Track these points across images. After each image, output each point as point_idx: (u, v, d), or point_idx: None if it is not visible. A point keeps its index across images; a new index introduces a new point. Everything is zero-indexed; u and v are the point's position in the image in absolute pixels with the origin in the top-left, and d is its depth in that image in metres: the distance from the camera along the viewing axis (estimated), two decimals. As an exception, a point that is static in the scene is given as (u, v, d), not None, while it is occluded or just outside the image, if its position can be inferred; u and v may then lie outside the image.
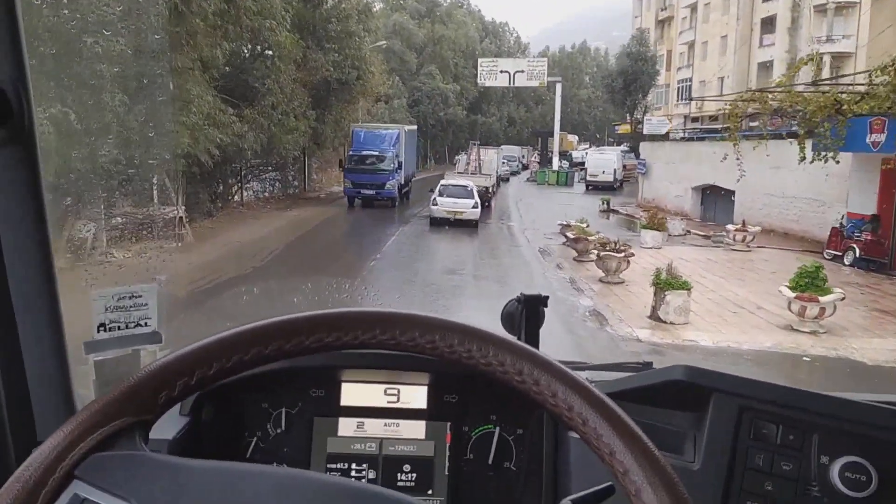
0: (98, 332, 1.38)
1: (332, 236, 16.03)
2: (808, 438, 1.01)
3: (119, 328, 1.40)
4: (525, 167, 52.69)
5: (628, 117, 47.76)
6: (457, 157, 46.14)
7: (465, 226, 20.60)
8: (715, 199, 23.45)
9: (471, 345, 0.59)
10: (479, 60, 43.83)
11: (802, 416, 1.02)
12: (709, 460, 1.02)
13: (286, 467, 0.61)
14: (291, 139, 18.51)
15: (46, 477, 0.53)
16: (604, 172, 37.36)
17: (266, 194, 26.12)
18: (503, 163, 36.30)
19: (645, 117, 37.38)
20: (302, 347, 0.61)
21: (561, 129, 52.66)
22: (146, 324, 1.43)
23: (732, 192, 21.71)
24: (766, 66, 41.38)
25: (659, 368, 1.17)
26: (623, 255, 11.48)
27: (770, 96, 14.97)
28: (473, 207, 20.93)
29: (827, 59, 39.16)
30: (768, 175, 19.75)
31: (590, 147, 67.49)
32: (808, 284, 9.12)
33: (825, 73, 38.06)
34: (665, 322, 9.34)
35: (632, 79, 42.67)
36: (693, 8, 50.53)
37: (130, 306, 1.42)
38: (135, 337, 1.42)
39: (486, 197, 24.48)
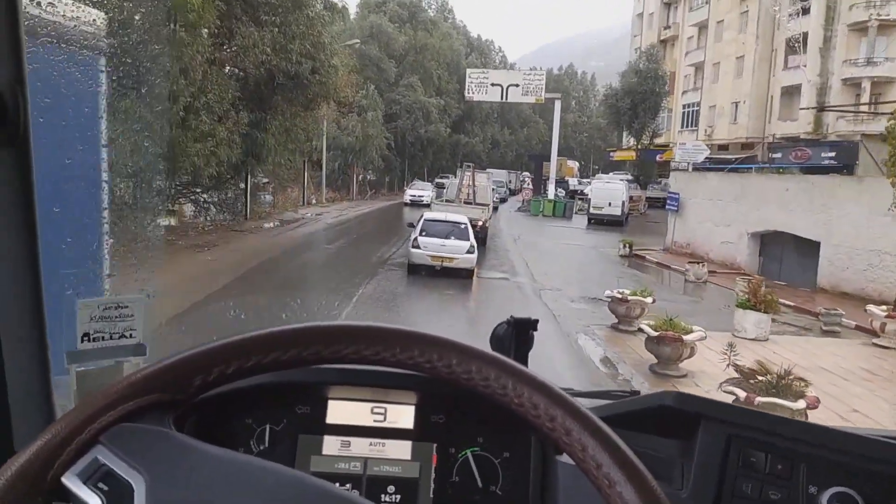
0: (82, 341, 1.36)
1: (248, 307, 9.89)
2: (796, 468, 1.01)
3: (103, 339, 1.38)
4: (513, 193, 47.22)
5: (633, 142, 42.61)
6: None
7: (454, 276, 14.77)
8: (782, 250, 17.90)
9: (469, 365, 0.59)
10: (468, 71, 38.20)
11: (791, 446, 1.01)
12: (697, 488, 1.02)
13: (298, 471, 0.57)
14: (203, 149, 12.39)
15: (73, 436, 0.55)
16: (610, 205, 31.97)
17: (192, 223, 20.00)
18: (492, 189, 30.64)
19: (678, 142, 31.89)
20: (318, 357, 0.61)
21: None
22: (131, 335, 1.41)
23: (815, 244, 16.14)
24: (791, 91, 36.68)
25: (648, 394, 1.14)
26: (805, 405, 5.62)
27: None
28: (468, 252, 15.16)
29: (867, 84, 34.80)
30: (879, 224, 14.24)
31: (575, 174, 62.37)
32: None
33: (864, 100, 33.39)
34: None
35: (640, 99, 37.46)
36: (702, 26, 45.89)
37: (116, 317, 1.39)
38: (119, 348, 1.40)
39: (481, 234, 18.71)
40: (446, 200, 21.59)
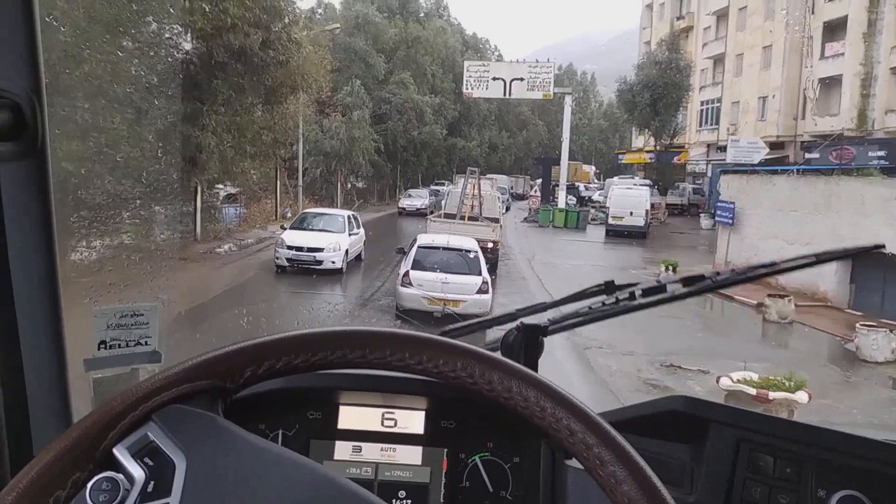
0: (98, 349, 1.37)
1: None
2: (805, 471, 1.00)
3: (119, 346, 1.39)
4: (520, 198, 43.06)
5: (649, 142, 38.48)
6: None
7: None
8: (884, 277, 13.70)
9: (473, 369, 0.60)
10: (467, 64, 34.00)
11: (800, 449, 1.00)
12: (706, 492, 1.01)
13: (333, 472, 0.58)
14: (83, 149, 8.30)
15: (127, 412, 0.57)
16: (632, 214, 27.93)
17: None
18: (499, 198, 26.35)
19: (730, 139, 27.62)
20: (381, 361, 0.62)
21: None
22: (147, 342, 1.42)
23: (947, 272, 11.93)
24: (829, 83, 32.71)
25: (657, 399, 1.12)
26: None
27: None
28: (480, 292, 11.00)
29: (921, 73, 30.81)
30: None
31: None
32: None
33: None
34: None
35: (660, 94, 33.31)
36: (721, 15, 41.88)
37: (132, 324, 1.41)
38: (135, 355, 1.40)
39: (491, 257, 14.51)
40: (446, 215, 17.32)
